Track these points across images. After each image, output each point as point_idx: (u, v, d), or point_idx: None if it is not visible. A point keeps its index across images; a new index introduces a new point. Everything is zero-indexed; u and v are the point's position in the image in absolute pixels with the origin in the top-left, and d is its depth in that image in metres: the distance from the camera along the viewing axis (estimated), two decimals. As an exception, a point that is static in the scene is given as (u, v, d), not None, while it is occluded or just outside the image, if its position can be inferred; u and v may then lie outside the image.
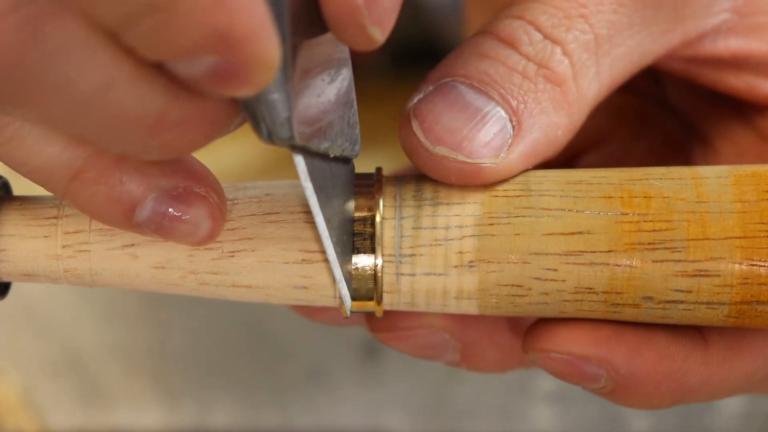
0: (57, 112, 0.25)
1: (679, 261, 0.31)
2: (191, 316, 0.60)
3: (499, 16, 0.34)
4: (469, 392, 0.57)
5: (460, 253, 0.31)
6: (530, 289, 0.31)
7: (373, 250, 0.32)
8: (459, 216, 0.32)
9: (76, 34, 0.24)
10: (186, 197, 0.30)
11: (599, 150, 0.42)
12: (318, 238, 0.32)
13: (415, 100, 0.32)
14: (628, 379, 0.32)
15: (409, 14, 0.71)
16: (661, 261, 0.31)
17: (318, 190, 0.29)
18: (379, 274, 0.32)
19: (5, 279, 0.32)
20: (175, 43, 0.23)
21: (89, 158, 0.29)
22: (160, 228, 0.30)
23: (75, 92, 0.24)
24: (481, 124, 0.31)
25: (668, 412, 0.56)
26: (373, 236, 0.32)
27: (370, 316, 0.36)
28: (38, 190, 0.31)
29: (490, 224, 0.31)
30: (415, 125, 0.32)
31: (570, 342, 0.32)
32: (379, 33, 0.26)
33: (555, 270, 0.31)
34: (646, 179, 0.32)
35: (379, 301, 0.32)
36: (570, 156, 0.41)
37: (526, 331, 0.33)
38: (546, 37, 0.33)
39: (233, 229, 0.32)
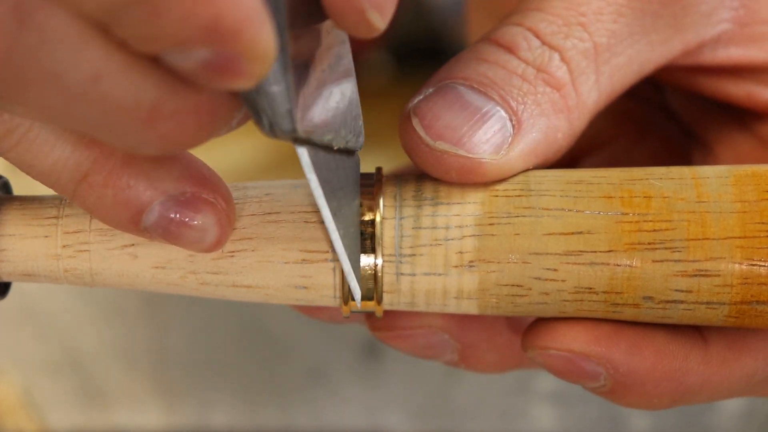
0: (50, 105, 0.25)
1: (679, 261, 0.31)
2: (191, 316, 0.59)
3: (500, 24, 0.34)
4: (469, 392, 0.57)
5: (460, 253, 0.31)
6: (530, 289, 0.31)
7: (373, 250, 0.32)
8: (459, 216, 0.32)
9: (64, 25, 0.24)
10: (193, 202, 0.30)
11: (600, 154, 0.42)
12: (318, 239, 0.32)
13: (416, 101, 0.32)
14: (627, 377, 0.32)
15: (412, 13, 0.71)
16: (661, 261, 0.31)
17: (323, 182, 0.29)
18: (379, 274, 0.32)
19: (5, 279, 0.32)
20: (164, 36, 0.23)
21: (97, 161, 0.29)
22: (167, 233, 0.30)
23: (66, 84, 0.24)
24: (481, 122, 0.31)
25: (668, 412, 0.56)
26: (373, 236, 0.32)
27: (369, 315, 0.36)
28: (38, 190, 0.31)
29: (490, 224, 0.31)
30: (415, 122, 0.32)
31: (569, 339, 0.32)
32: (379, 19, 0.26)
33: (555, 270, 0.31)
34: (647, 179, 0.32)
35: (379, 301, 0.32)
36: (571, 159, 0.41)
37: (526, 329, 0.33)
38: (544, 43, 0.33)
39: (233, 229, 0.32)
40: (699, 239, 0.31)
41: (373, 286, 0.32)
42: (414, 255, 0.32)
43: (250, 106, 0.26)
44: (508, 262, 0.31)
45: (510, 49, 0.33)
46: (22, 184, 0.33)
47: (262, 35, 0.23)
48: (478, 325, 0.36)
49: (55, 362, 0.59)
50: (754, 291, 0.31)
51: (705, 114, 0.40)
